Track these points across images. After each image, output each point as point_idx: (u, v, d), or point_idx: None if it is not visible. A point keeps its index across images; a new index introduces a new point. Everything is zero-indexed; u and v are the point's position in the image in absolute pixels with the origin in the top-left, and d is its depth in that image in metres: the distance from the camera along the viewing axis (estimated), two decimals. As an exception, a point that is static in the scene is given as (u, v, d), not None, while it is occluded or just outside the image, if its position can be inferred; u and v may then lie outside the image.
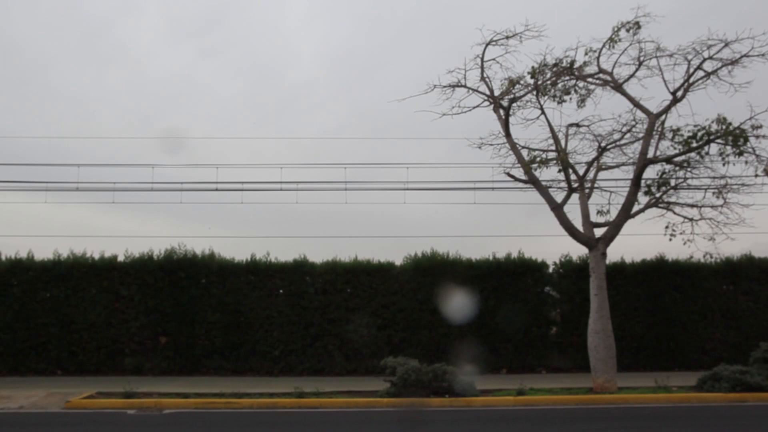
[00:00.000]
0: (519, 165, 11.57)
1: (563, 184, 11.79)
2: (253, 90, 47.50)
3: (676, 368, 13.64)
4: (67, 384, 11.67)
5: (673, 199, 11.51)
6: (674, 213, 11.53)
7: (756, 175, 10.65)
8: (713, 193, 11.21)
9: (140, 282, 13.58)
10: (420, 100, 11.56)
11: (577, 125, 11.97)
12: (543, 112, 11.66)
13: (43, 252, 16.25)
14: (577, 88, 11.72)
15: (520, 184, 11.96)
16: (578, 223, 11.40)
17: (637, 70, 11.34)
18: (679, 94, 10.94)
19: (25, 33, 44.41)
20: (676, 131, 10.83)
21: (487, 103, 11.70)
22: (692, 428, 8.22)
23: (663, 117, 11.12)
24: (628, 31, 11.10)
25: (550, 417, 8.94)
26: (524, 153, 11.71)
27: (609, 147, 11.89)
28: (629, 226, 11.30)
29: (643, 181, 11.26)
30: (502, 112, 11.49)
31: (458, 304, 13.27)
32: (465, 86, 11.61)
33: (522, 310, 13.68)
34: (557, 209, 11.26)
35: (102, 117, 38.27)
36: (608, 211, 12.10)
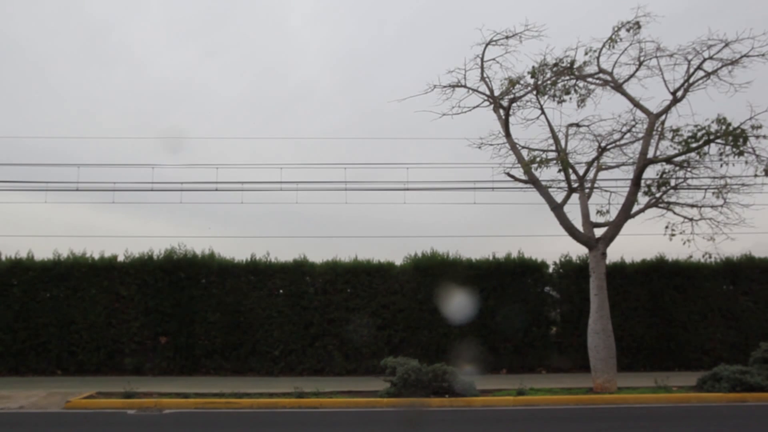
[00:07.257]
0: (519, 165, 11.56)
1: (563, 184, 11.79)
2: (256, 90, 47.51)
3: (676, 368, 13.63)
4: (67, 384, 11.66)
5: (673, 199, 11.52)
6: (674, 213, 11.54)
7: (756, 175, 10.65)
8: (713, 193, 11.22)
9: (140, 282, 13.58)
10: (420, 101, 11.58)
11: (577, 125, 11.97)
12: (543, 112, 11.66)
13: (43, 252, 16.24)
14: (577, 88, 11.71)
15: (520, 184, 11.97)
16: (578, 223, 11.40)
17: (637, 70, 11.34)
18: (679, 94, 10.94)
19: (27, 33, 44.43)
20: (676, 131, 10.84)
21: (487, 103, 11.71)
22: (692, 428, 8.21)
23: (663, 117, 11.11)
24: (628, 31, 11.10)
25: (550, 417, 8.94)
26: (524, 153, 11.71)
27: (609, 147, 11.89)
28: (629, 226, 11.32)
29: (643, 181, 11.27)
30: (502, 112, 11.49)
31: (458, 304, 13.28)
32: (465, 86, 11.62)
33: (522, 310, 13.68)
34: (557, 209, 11.26)
35: (103, 117, 38.27)
36: (608, 211, 12.12)
